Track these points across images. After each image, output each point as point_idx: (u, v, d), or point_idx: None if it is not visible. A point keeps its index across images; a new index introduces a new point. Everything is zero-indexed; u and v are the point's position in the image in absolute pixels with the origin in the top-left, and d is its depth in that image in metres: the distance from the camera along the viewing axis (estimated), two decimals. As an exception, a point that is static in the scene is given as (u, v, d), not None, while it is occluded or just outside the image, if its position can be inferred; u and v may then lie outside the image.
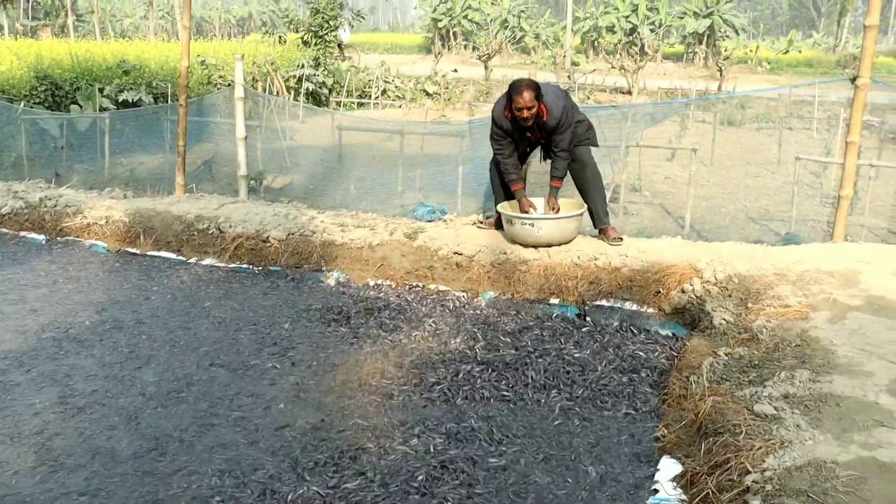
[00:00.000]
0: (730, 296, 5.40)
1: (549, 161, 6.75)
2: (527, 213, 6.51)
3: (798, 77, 30.32)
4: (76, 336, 5.52)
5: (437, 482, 3.70)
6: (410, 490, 3.63)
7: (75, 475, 3.77)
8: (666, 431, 4.16)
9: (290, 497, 3.57)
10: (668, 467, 3.84)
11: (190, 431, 4.21)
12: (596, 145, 6.76)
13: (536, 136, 6.56)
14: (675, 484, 3.70)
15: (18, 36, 25.96)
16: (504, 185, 6.80)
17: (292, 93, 18.98)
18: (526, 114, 6.18)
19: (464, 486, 3.68)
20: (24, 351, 5.22)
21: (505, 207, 6.67)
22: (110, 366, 5.02)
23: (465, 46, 37.21)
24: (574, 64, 28.45)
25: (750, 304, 5.18)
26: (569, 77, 21.78)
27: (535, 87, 6.20)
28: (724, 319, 5.15)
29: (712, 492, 3.39)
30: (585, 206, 6.61)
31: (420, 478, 3.72)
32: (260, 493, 3.62)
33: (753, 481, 3.25)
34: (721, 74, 24.21)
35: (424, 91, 21.92)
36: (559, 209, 6.52)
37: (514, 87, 6.23)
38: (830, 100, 15.54)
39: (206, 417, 4.36)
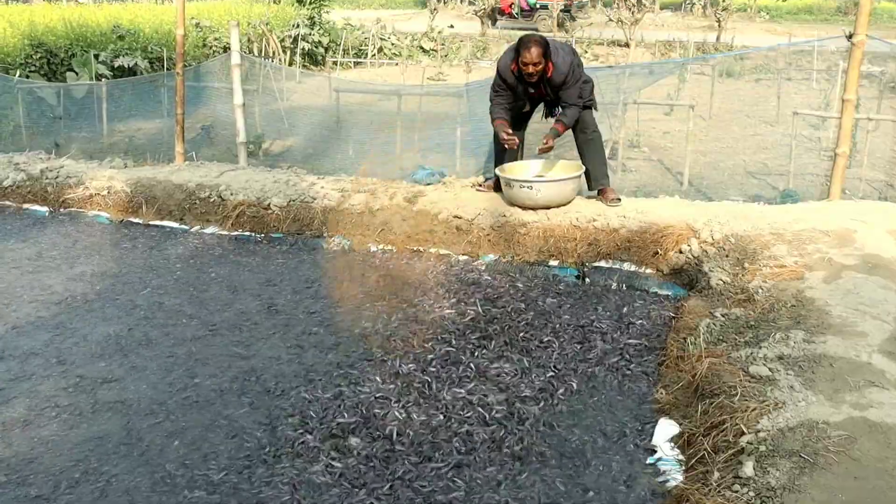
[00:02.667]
0: (727, 256, 5.47)
1: (550, 119, 6.78)
2: (508, 142, 6.46)
3: (798, 25, 29.99)
4: (84, 305, 5.62)
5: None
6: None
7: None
8: (664, 392, 4.26)
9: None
10: (666, 428, 3.93)
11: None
12: (596, 109, 6.77)
13: (541, 93, 6.55)
14: (672, 444, 3.80)
15: (10, 1, 25.69)
16: (499, 148, 6.85)
17: (288, 53, 18.86)
18: (532, 69, 6.17)
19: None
20: (32, 322, 5.31)
21: (504, 170, 6.71)
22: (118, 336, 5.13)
23: (462, 1, 36.82)
24: (571, 18, 28.18)
25: (746, 265, 5.25)
26: (566, 31, 21.60)
27: (544, 45, 6.19)
28: (721, 280, 5.23)
29: (708, 452, 3.49)
30: (584, 167, 6.64)
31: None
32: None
33: (748, 442, 3.35)
34: (719, 25, 23.99)
35: (421, 48, 21.78)
36: (552, 146, 6.44)
37: (523, 43, 6.21)
38: (830, 49, 15.41)
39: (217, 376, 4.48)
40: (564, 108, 6.45)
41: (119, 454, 3.84)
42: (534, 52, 6.13)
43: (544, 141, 6.42)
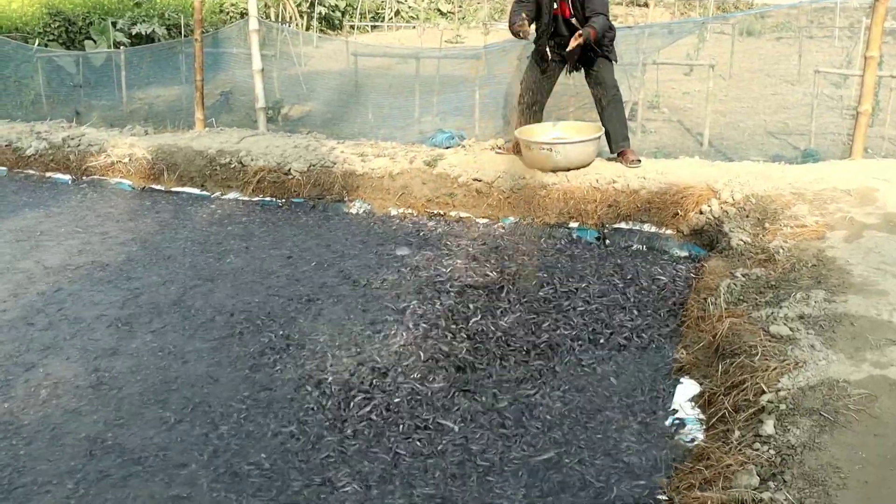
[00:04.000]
0: (747, 216, 5.46)
1: (573, 75, 6.79)
2: (521, 32, 6.41)
3: (820, -20, 29.51)
4: (113, 270, 5.74)
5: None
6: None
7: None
8: (685, 353, 4.29)
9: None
10: (687, 388, 3.97)
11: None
12: (615, 60, 6.68)
13: (566, 13, 6.40)
14: (693, 404, 3.84)
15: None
16: (521, 109, 6.84)
17: (305, 17, 18.80)
18: None
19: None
20: (63, 287, 5.41)
21: (523, 133, 6.70)
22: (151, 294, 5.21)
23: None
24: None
25: (767, 225, 5.24)
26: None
27: None
28: (742, 240, 5.22)
29: (728, 411, 3.52)
30: (603, 128, 6.62)
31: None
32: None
33: (768, 401, 3.38)
34: (740, -19, 23.67)
35: (438, 10, 21.63)
36: (580, 43, 6.23)
37: None
38: (853, 5, 15.19)
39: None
40: (591, 18, 6.26)
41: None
42: None
43: (573, 40, 6.25)
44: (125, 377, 4.29)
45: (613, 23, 6.78)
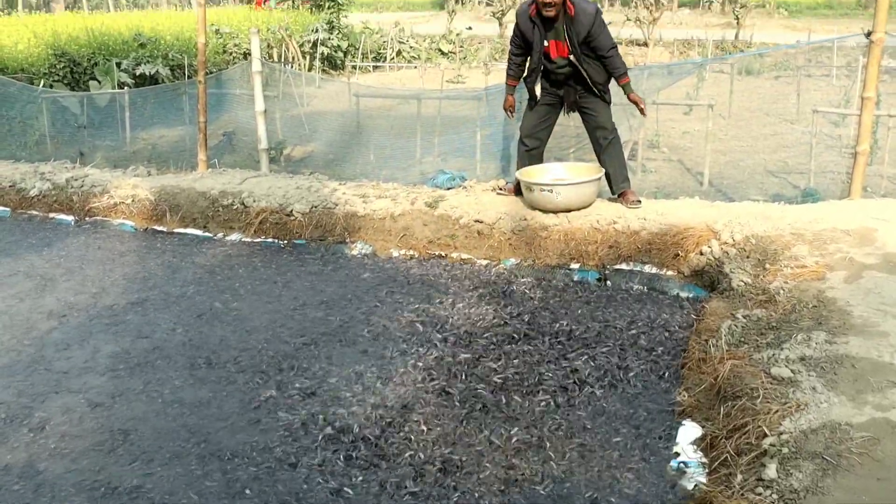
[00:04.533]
0: (747, 257, 5.48)
1: (571, 114, 6.90)
2: (511, 99, 6.82)
3: (817, 21, 29.75)
4: (113, 313, 5.74)
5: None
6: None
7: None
8: (686, 395, 4.28)
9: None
10: (689, 431, 3.96)
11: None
12: (610, 101, 6.74)
13: (559, 49, 6.44)
14: (695, 447, 3.83)
15: (32, 10, 26.00)
16: (521, 153, 6.91)
17: (307, 58, 18.97)
18: (550, 0, 6.15)
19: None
20: (69, 327, 5.41)
21: (524, 174, 6.74)
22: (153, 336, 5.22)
23: (480, 2, 36.78)
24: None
25: (767, 265, 5.27)
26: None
27: None
28: (742, 281, 5.24)
29: (731, 455, 3.51)
30: (603, 170, 6.66)
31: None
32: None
33: (770, 444, 3.37)
34: (738, 22, 23.88)
35: (439, 50, 21.82)
36: (645, 105, 6.53)
37: None
38: (850, 45, 15.32)
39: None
40: (606, 64, 6.40)
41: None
42: None
43: (639, 105, 6.50)
44: (128, 422, 4.29)
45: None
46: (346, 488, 3.64)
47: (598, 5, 6.59)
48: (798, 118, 11.30)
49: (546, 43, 6.44)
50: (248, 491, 3.65)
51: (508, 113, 6.99)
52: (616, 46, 6.44)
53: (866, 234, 5.34)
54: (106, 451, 4.00)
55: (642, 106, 6.49)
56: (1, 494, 3.66)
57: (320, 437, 4.05)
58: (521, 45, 6.61)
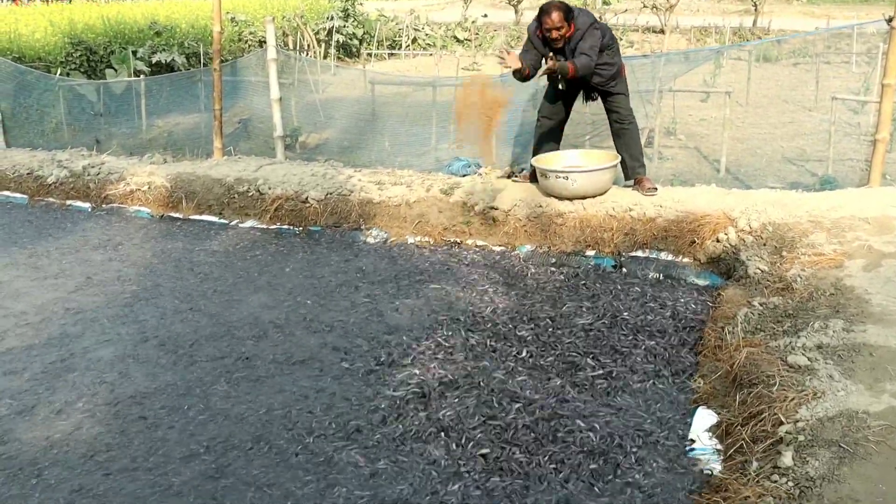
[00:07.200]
0: (764, 244, 5.44)
1: (589, 102, 6.86)
2: (505, 62, 6.35)
3: (836, 7, 29.45)
4: (133, 298, 5.78)
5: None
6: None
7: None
8: (702, 382, 4.26)
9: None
10: (704, 418, 3.94)
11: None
12: (627, 94, 6.73)
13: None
14: (710, 434, 3.81)
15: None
16: (537, 134, 6.87)
17: (323, 45, 18.97)
18: (555, 35, 6.20)
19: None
20: (86, 312, 5.45)
21: (539, 161, 6.72)
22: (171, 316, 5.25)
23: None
24: (605, 3, 28.00)
25: (784, 253, 5.23)
26: (600, 18, 21.34)
27: (565, 9, 6.20)
28: (759, 269, 5.21)
29: (746, 442, 3.49)
30: (619, 157, 6.63)
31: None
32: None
33: (786, 432, 3.35)
34: (756, 9, 23.71)
35: (455, 38, 21.77)
36: (553, 68, 6.23)
37: (543, 9, 6.27)
38: (870, 31, 15.16)
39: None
40: (577, 55, 6.28)
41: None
42: (555, 17, 6.18)
43: (549, 62, 6.31)
44: (144, 413, 4.31)
45: (630, 51, 6.81)
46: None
47: (594, 17, 6.50)
48: (816, 106, 11.20)
49: (561, 57, 6.45)
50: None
51: (508, 65, 6.35)
52: (592, 55, 6.25)
53: (885, 222, 5.29)
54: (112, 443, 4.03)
55: (547, 66, 6.28)
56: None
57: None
58: (534, 51, 6.57)
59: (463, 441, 3.84)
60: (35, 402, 4.37)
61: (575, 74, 6.19)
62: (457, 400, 4.21)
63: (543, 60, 6.47)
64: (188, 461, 3.80)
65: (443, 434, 3.90)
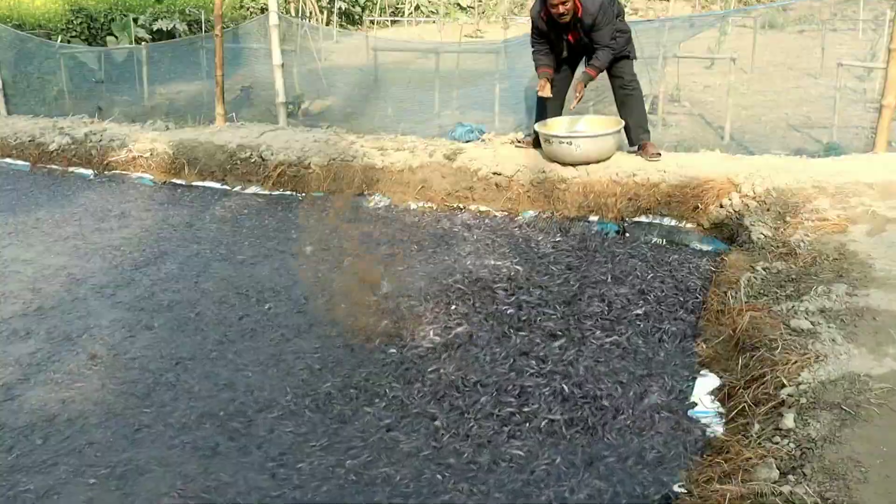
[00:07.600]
0: (768, 210, 5.43)
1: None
2: (541, 91, 6.56)
3: (844, -28, 29.15)
4: (133, 264, 5.80)
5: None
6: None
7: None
8: (704, 346, 4.27)
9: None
10: (707, 381, 3.96)
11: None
12: (634, 58, 6.70)
13: (575, 37, 6.45)
14: (713, 397, 3.82)
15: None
16: (540, 101, 6.84)
17: (325, 12, 18.84)
18: (562, 9, 6.14)
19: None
20: (94, 276, 5.46)
21: (543, 126, 6.69)
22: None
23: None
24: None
25: (788, 218, 5.21)
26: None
27: None
28: (763, 234, 5.19)
29: (748, 405, 3.51)
30: (623, 122, 6.60)
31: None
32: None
33: (788, 395, 3.36)
34: (762, -26, 23.49)
35: (458, 5, 21.61)
36: (582, 95, 6.51)
37: None
38: (877, -3, 15.00)
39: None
40: (597, 51, 6.38)
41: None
42: None
43: (576, 92, 6.45)
44: (150, 377, 4.34)
45: (634, 17, 6.77)
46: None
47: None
48: (822, 72, 11.11)
49: (566, 35, 6.47)
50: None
51: (542, 92, 6.64)
52: (612, 45, 6.34)
53: (890, 187, 5.27)
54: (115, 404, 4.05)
55: (579, 95, 6.49)
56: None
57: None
58: (542, 39, 6.56)
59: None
60: (41, 367, 4.39)
61: (598, 74, 6.43)
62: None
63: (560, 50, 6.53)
64: (199, 423, 3.83)
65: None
